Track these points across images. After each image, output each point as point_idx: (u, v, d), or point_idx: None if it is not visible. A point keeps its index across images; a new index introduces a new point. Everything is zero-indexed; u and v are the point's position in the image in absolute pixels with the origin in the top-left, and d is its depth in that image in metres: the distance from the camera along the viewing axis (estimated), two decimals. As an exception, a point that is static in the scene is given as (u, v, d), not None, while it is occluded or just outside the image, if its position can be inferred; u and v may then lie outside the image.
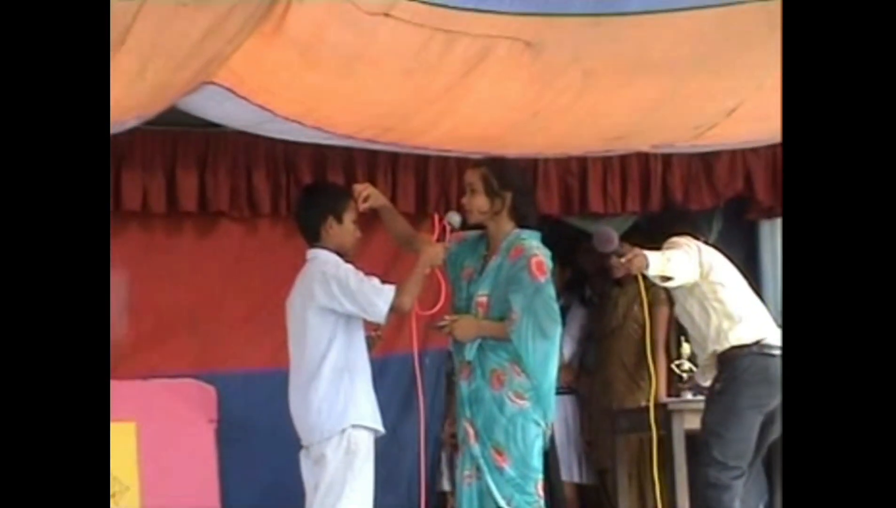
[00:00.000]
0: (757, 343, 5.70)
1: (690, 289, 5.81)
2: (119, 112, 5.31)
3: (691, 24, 5.14)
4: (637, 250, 5.45)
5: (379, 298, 5.20)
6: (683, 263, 5.63)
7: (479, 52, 5.17)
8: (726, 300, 5.79)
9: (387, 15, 4.77)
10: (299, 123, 5.83)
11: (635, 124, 6.10)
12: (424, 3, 4.69)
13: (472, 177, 5.39)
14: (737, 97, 5.92)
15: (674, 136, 6.56)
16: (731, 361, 5.74)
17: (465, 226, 5.50)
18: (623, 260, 5.40)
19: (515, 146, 6.33)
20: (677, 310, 6.08)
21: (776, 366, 5.52)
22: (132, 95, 5.16)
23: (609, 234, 5.47)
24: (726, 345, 5.76)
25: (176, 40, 4.76)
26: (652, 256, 5.48)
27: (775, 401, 5.53)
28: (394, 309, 5.21)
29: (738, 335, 5.74)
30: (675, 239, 5.83)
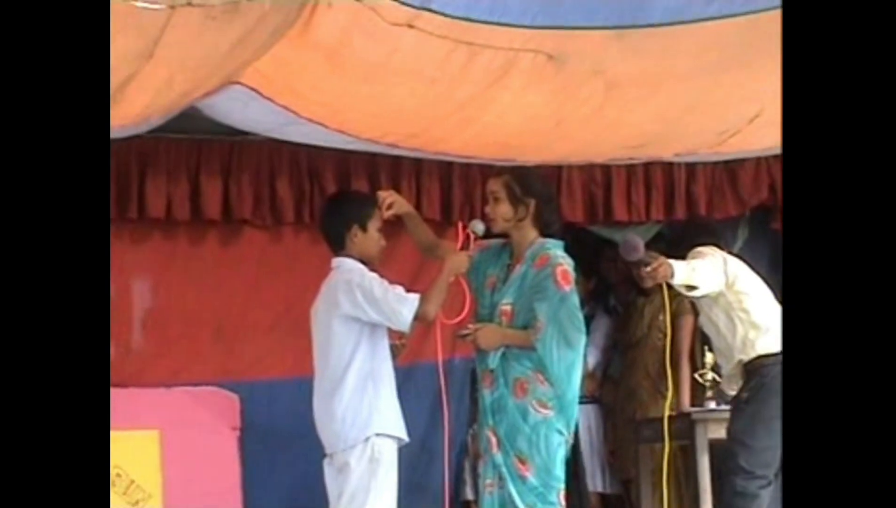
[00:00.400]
0: None
1: (715, 299, 5.80)
2: (145, 116, 5.34)
3: (714, 34, 5.13)
4: (662, 259, 5.43)
5: (403, 306, 5.19)
6: (708, 272, 5.62)
7: (502, 64, 5.18)
8: (752, 310, 5.78)
9: (410, 26, 4.78)
10: (323, 125, 5.84)
11: (658, 133, 6.10)
12: (447, 15, 4.70)
13: (496, 185, 5.38)
14: (758, 104, 5.92)
15: (696, 143, 6.55)
16: (758, 370, 5.73)
17: (488, 235, 5.49)
18: (649, 269, 5.38)
19: (538, 154, 6.33)
20: (702, 320, 6.06)
21: None
22: (159, 103, 5.18)
23: (635, 242, 5.46)
24: (752, 354, 5.75)
25: (205, 52, 4.78)
26: (677, 265, 5.47)
27: None
28: (418, 318, 5.21)
29: (765, 345, 5.72)
30: (699, 249, 5.82)
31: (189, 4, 4.34)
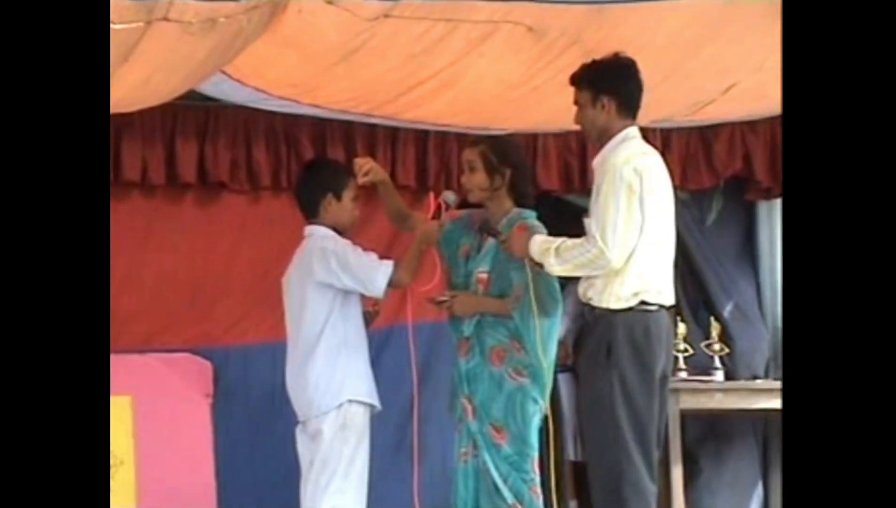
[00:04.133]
0: None
1: None
2: (118, 107, 5.36)
3: (694, 11, 5.16)
4: (513, 234, 5.11)
5: (378, 273, 5.21)
6: (573, 257, 4.85)
7: (480, 35, 5.20)
8: None
9: (386, 16, 4.79)
10: (296, 101, 5.86)
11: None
12: (427, -1, 4.72)
13: (472, 155, 5.38)
14: (734, 76, 5.94)
15: (672, 111, 6.56)
16: None
17: (463, 205, 5.49)
18: (501, 240, 5.17)
19: (514, 121, 6.34)
20: None
21: None
22: (135, 98, 5.21)
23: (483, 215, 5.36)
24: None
25: (181, 60, 4.82)
26: (536, 241, 4.96)
27: None
28: (392, 284, 5.24)
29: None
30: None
31: (165, 19, 4.38)
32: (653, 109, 5.91)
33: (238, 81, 5.48)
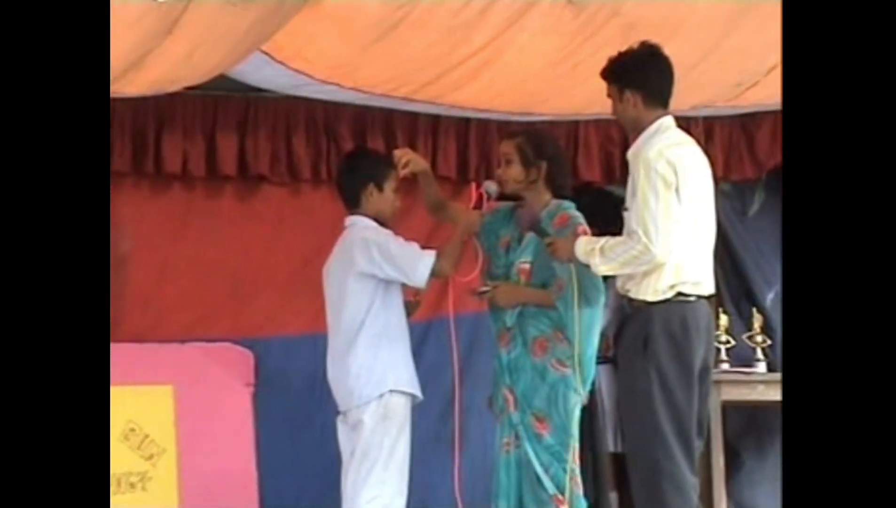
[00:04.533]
0: None
1: None
2: (161, 85, 5.37)
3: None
4: (558, 239, 5.09)
5: (420, 262, 5.21)
6: (617, 255, 4.82)
7: (520, 8, 5.19)
8: None
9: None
10: (338, 84, 5.85)
11: (675, 81, 6.08)
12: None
13: (508, 147, 5.40)
14: (776, 54, 5.86)
15: (713, 95, 6.52)
16: None
17: (502, 196, 5.49)
18: (546, 243, 5.14)
19: (555, 103, 6.31)
20: None
21: None
22: (176, 74, 5.22)
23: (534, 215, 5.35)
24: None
25: (223, 33, 4.83)
26: (581, 243, 4.94)
27: None
28: (435, 274, 5.23)
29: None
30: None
31: (209, -9, 4.39)
32: (693, 91, 5.91)
33: (281, 63, 5.46)
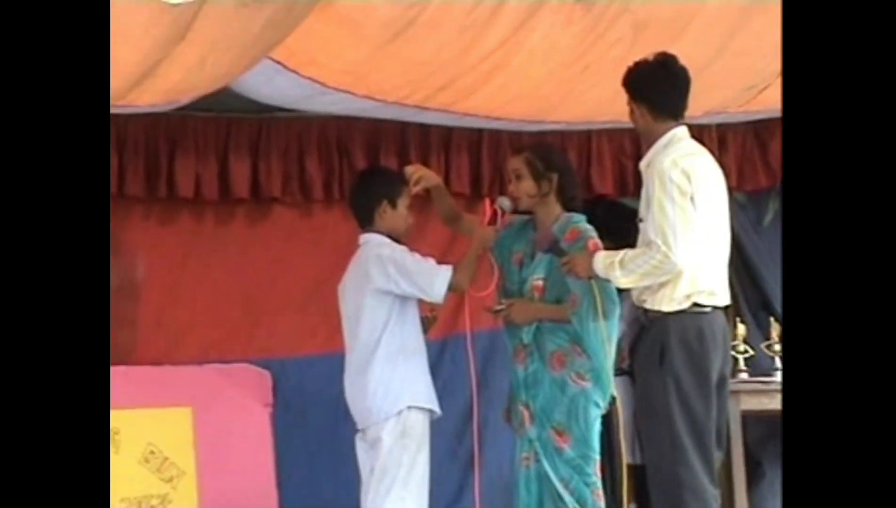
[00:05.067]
0: None
1: None
2: (175, 94, 5.37)
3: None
4: (575, 255, 5.09)
5: (437, 278, 5.21)
6: (637, 267, 4.82)
7: (530, 7, 5.18)
8: None
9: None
10: (349, 92, 5.85)
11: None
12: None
13: (517, 163, 5.42)
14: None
15: (726, 98, 6.50)
16: None
17: (514, 213, 5.51)
18: (563, 261, 5.13)
19: (567, 109, 6.31)
20: None
21: None
22: (189, 82, 5.21)
23: (551, 235, 5.35)
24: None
25: (236, 35, 4.82)
26: (599, 257, 4.96)
27: None
28: (451, 288, 5.24)
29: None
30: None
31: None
32: (705, 95, 5.89)
33: (293, 71, 5.46)
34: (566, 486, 5.16)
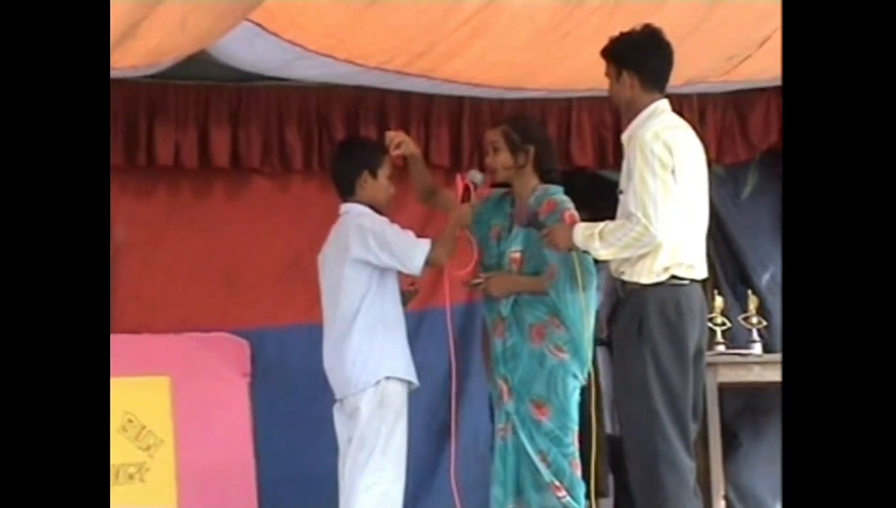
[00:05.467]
0: None
1: None
2: (156, 56, 5.35)
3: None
4: (555, 226, 5.09)
5: (416, 250, 5.21)
6: (617, 239, 4.80)
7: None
8: None
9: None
10: (331, 56, 5.83)
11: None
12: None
13: (494, 136, 5.42)
14: (770, 25, 5.85)
15: (706, 68, 6.51)
16: None
17: (493, 186, 5.50)
18: (543, 234, 5.12)
19: (546, 76, 6.31)
20: None
21: None
22: (171, 43, 5.20)
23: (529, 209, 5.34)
24: None
25: None
26: (579, 229, 4.92)
27: None
28: (430, 263, 5.23)
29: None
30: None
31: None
32: (686, 64, 5.90)
33: (274, 33, 5.44)
34: (544, 458, 5.18)
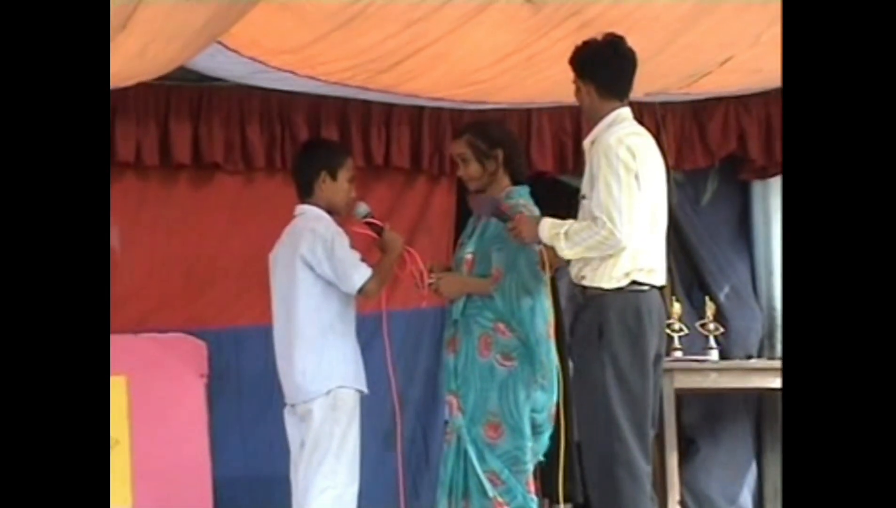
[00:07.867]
0: None
1: None
2: (116, 81, 5.33)
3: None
4: (522, 218, 5.04)
5: (356, 273, 5.22)
6: (582, 239, 4.80)
7: (478, 6, 5.21)
8: None
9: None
10: (292, 72, 5.83)
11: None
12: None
13: (460, 148, 5.37)
14: (730, 50, 5.92)
15: (666, 84, 6.55)
16: None
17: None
18: (509, 227, 5.08)
19: (509, 92, 6.32)
20: None
21: None
22: (130, 70, 5.19)
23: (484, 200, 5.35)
24: None
25: (178, 28, 4.81)
26: (545, 224, 4.91)
27: None
28: (362, 290, 5.23)
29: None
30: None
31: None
32: (647, 80, 5.95)
33: (234, 51, 5.44)
34: (494, 478, 5.07)
